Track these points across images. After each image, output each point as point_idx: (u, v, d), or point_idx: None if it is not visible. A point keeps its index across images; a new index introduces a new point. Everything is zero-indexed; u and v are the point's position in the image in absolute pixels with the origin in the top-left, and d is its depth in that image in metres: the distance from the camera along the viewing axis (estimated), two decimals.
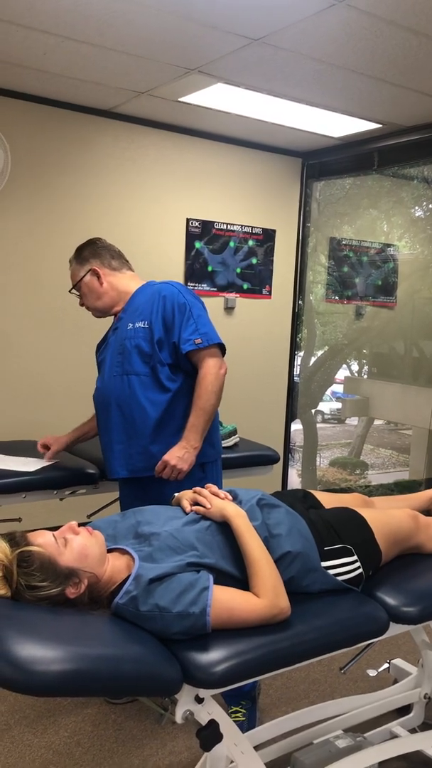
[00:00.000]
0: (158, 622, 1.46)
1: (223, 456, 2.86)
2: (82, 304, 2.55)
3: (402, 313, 5.25)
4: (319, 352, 5.67)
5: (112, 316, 2.54)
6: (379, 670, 2.56)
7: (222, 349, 2.39)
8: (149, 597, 1.48)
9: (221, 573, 1.60)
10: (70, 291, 2.55)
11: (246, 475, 3.10)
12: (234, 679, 1.41)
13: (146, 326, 2.36)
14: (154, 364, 2.35)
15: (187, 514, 1.74)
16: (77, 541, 1.56)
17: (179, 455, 2.29)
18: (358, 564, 1.80)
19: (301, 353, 5.54)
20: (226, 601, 1.52)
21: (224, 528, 1.68)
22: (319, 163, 4.55)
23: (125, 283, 2.50)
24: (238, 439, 3.21)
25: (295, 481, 5.22)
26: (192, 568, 1.56)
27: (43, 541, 1.54)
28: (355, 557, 1.80)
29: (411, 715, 2.35)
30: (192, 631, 1.47)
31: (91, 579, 1.55)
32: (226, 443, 3.06)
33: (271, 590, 1.56)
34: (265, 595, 1.55)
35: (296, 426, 5.12)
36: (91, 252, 2.50)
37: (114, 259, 2.51)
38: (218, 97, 3.48)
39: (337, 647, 1.58)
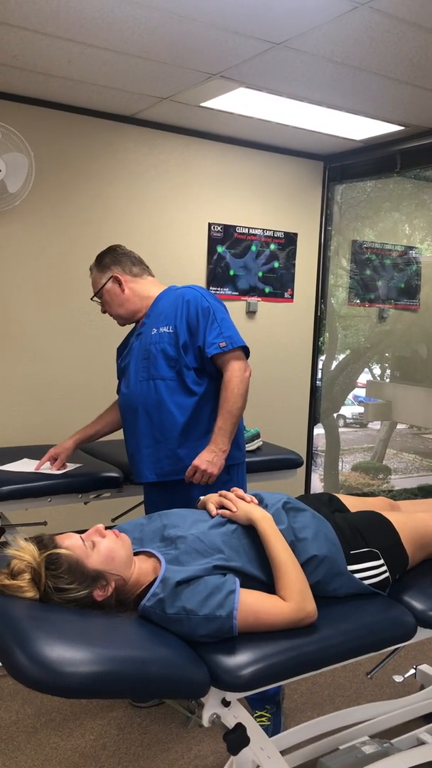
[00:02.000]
0: (185, 624, 1.47)
1: (246, 460, 2.87)
2: (104, 311, 2.57)
3: (425, 316, 5.21)
4: (341, 356, 5.65)
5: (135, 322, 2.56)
6: (406, 675, 2.53)
7: (246, 351, 2.39)
8: (176, 600, 1.49)
9: (247, 576, 1.60)
10: (91, 299, 2.57)
11: (269, 479, 3.10)
12: (261, 682, 1.41)
13: (171, 331, 2.37)
14: (180, 368, 2.36)
15: (212, 517, 1.74)
16: (104, 544, 1.57)
17: (209, 459, 2.30)
18: (384, 568, 1.79)
19: (323, 357, 5.52)
20: (252, 604, 1.51)
21: (250, 531, 1.68)
22: (341, 166, 4.53)
23: (147, 288, 2.51)
24: (261, 442, 3.21)
25: (317, 486, 5.20)
26: (218, 571, 1.56)
27: (70, 544, 1.55)
28: (381, 561, 1.79)
29: None
30: (218, 634, 1.47)
31: (119, 582, 1.55)
32: (249, 447, 3.06)
33: (297, 594, 1.55)
34: (292, 598, 1.55)
35: (318, 430, 5.11)
36: (112, 259, 2.51)
37: (135, 266, 2.52)
38: (240, 102, 3.49)
39: (363, 652, 1.57)
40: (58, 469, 2.67)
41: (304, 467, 4.81)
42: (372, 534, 1.83)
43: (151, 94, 3.43)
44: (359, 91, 3.28)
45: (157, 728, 2.39)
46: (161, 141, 3.99)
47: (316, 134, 4.03)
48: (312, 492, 4.88)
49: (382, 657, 2.00)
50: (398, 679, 2.52)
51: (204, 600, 1.47)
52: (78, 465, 2.76)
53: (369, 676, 1.96)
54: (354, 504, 2.04)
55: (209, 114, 3.72)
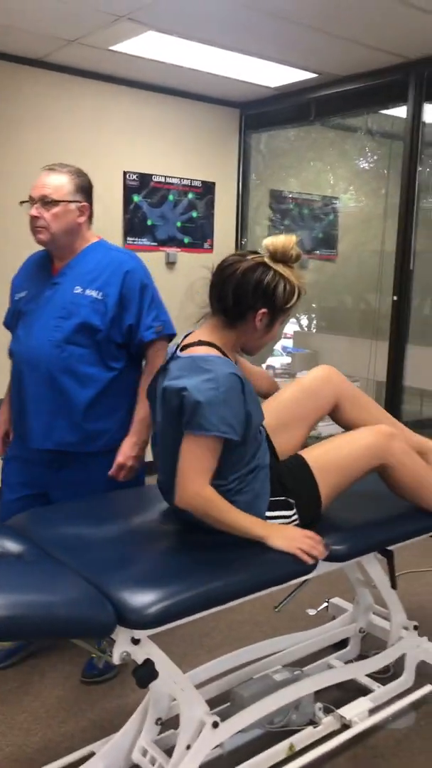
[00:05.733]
0: None
1: None
2: (35, 218, 2.18)
3: (348, 266, 5.30)
4: None
5: (49, 257, 2.32)
6: (319, 609, 2.67)
7: (171, 339, 2.31)
8: None
9: None
10: (39, 200, 2.17)
11: None
12: (167, 619, 1.47)
13: (100, 298, 2.20)
14: (100, 339, 2.20)
15: None
16: None
17: (133, 455, 2.25)
18: (296, 517, 1.87)
19: None
20: None
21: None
22: (257, 114, 4.51)
23: (88, 233, 2.32)
24: None
25: None
26: None
27: None
28: (294, 511, 1.86)
29: (347, 648, 2.47)
30: None
31: None
32: None
33: None
34: None
35: None
36: (90, 190, 2.31)
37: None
38: (150, 46, 3.41)
39: (266, 586, 1.65)
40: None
41: None
42: (291, 484, 1.89)
43: (57, 35, 3.31)
44: (271, 37, 3.26)
45: (78, 671, 2.46)
46: (73, 86, 3.87)
47: (230, 81, 3.99)
48: None
49: (291, 590, 2.11)
50: (312, 612, 2.66)
51: None
52: None
53: (277, 610, 2.07)
54: (288, 447, 2.04)
55: (120, 58, 3.62)
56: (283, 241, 1.78)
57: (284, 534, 1.73)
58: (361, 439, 1.97)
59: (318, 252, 5.07)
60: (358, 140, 5.36)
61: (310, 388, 2.05)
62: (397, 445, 1.97)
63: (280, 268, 1.77)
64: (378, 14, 2.92)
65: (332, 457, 1.93)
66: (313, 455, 1.94)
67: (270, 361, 6.07)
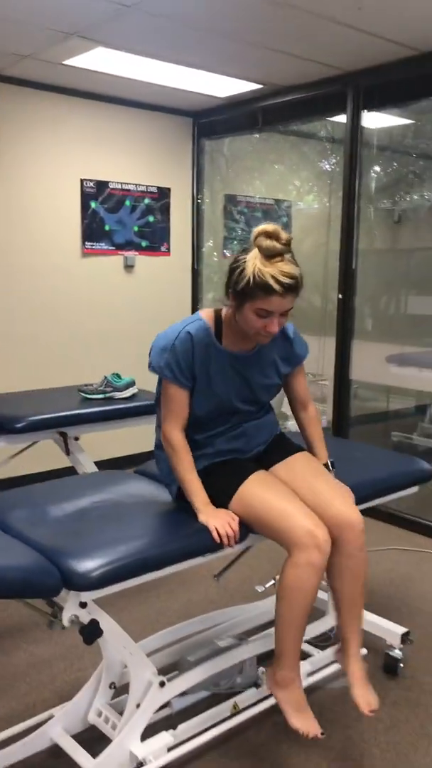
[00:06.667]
0: None
1: (120, 406, 3.09)
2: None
3: (313, 266, 5.50)
4: None
5: None
6: (267, 585, 2.86)
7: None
8: None
9: None
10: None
11: (146, 424, 3.31)
12: (108, 581, 1.65)
13: None
14: None
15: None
16: None
17: None
18: None
19: None
20: None
21: None
22: (210, 122, 4.72)
23: None
24: (136, 390, 3.41)
25: None
26: None
27: None
28: None
29: None
30: None
31: None
32: (122, 394, 3.25)
33: None
34: None
35: None
36: None
37: None
38: (102, 60, 3.59)
39: (192, 555, 1.85)
40: None
41: None
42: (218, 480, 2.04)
43: (11, 51, 3.47)
44: (217, 52, 3.45)
45: (42, 650, 2.62)
46: (29, 99, 4.03)
47: (181, 92, 4.18)
48: None
49: (230, 561, 2.30)
50: (260, 589, 2.84)
51: None
52: None
53: (216, 578, 2.26)
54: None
55: (74, 72, 3.79)
56: (257, 230, 1.83)
57: (212, 513, 1.92)
58: (285, 533, 1.87)
59: None
60: (313, 145, 5.58)
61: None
62: (302, 570, 1.86)
63: (251, 256, 1.81)
64: (315, 32, 3.13)
65: (258, 510, 1.93)
66: (253, 492, 1.95)
67: None
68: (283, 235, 1.82)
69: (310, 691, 2.33)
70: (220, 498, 1.97)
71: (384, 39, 3.22)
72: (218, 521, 1.89)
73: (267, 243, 1.79)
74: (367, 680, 2.03)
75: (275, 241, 1.80)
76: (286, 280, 1.79)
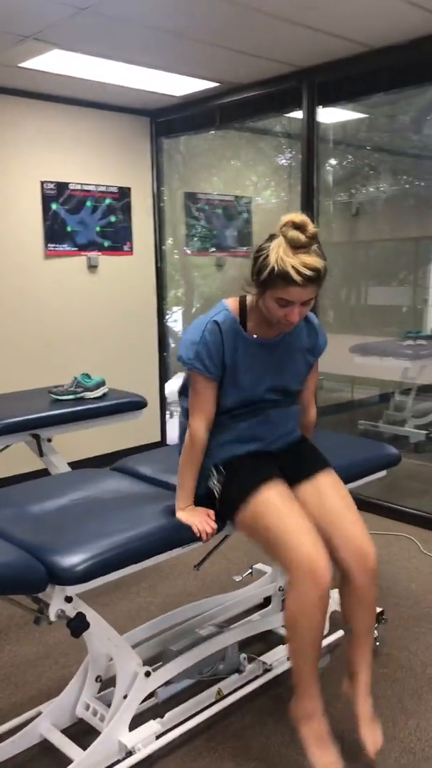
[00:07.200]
0: None
1: (92, 406, 3.12)
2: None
3: None
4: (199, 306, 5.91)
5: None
6: (244, 575, 2.92)
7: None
8: None
9: None
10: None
11: (117, 422, 3.34)
12: (93, 575, 1.69)
13: None
14: None
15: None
16: None
17: None
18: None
19: (182, 309, 5.79)
20: None
21: None
22: (167, 121, 4.75)
23: None
24: (107, 389, 3.43)
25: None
26: None
27: None
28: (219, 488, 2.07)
29: (270, 606, 2.73)
30: None
31: None
32: (93, 394, 3.28)
33: None
34: None
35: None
36: None
37: None
38: (58, 62, 3.60)
39: (171, 547, 1.92)
40: None
41: (158, 417, 5.13)
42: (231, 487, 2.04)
43: None
44: (170, 51, 3.49)
45: (25, 650, 2.65)
46: None
47: (138, 91, 4.21)
48: (170, 441, 5.21)
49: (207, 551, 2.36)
50: (237, 578, 2.91)
51: None
52: None
53: (196, 569, 2.31)
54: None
55: (31, 74, 3.80)
56: (285, 219, 1.80)
57: (190, 511, 1.99)
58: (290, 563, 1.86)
59: (233, 249, 5.34)
60: (269, 141, 5.66)
61: None
62: (303, 599, 1.84)
63: (275, 244, 1.80)
64: (268, 30, 3.19)
65: (264, 531, 1.93)
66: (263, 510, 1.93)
67: None
68: (311, 227, 1.79)
69: (289, 674, 2.39)
70: (233, 500, 1.98)
71: (337, 36, 3.30)
72: (196, 519, 1.95)
73: (292, 234, 1.78)
74: (376, 719, 2.03)
75: (300, 232, 1.78)
76: (307, 272, 1.78)
